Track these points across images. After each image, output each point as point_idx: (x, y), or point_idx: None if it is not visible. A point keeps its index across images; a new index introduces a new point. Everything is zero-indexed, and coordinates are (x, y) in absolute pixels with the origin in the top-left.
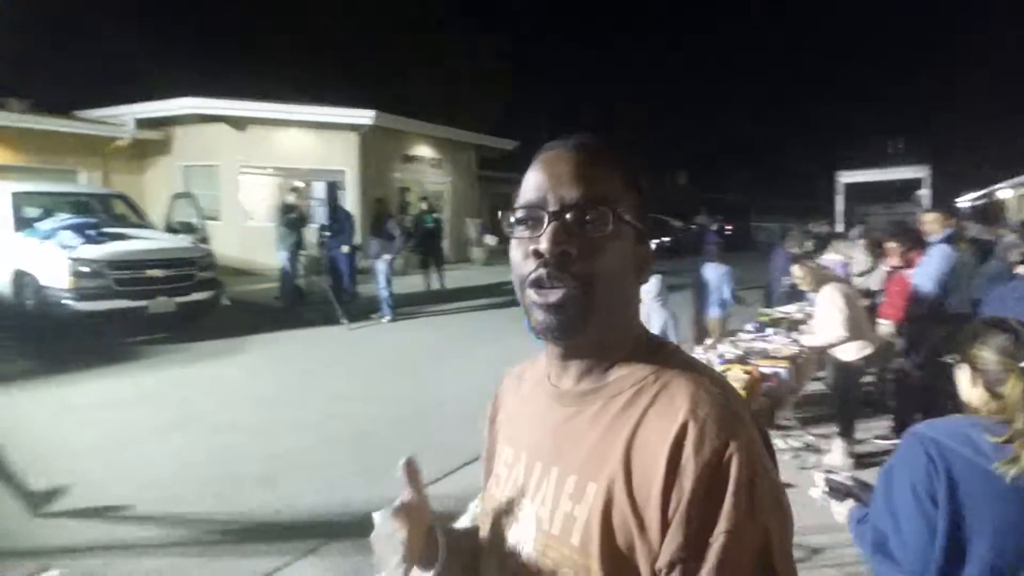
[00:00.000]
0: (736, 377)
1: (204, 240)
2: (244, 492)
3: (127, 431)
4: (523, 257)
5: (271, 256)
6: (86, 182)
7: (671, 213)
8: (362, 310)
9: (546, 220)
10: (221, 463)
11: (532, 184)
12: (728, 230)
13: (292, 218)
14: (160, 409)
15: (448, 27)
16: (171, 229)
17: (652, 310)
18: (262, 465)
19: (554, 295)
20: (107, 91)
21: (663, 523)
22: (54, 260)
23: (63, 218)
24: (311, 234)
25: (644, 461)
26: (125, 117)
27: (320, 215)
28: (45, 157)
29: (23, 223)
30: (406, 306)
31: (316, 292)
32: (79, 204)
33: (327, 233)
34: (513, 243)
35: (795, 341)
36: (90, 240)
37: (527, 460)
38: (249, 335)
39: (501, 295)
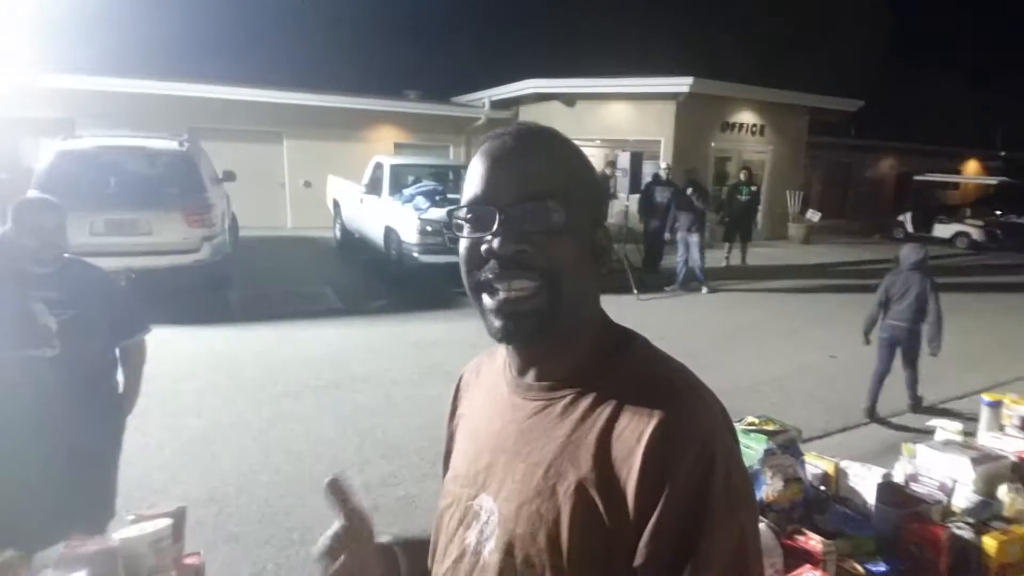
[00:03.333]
0: None
1: None
2: None
3: (431, 367)
4: (474, 257)
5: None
6: (452, 156)
7: None
8: (657, 282)
9: (496, 217)
10: None
11: (477, 178)
12: None
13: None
14: (461, 354)
15: None
16: None
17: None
18: None
19: (511, 301)
20: (472, 79)
21: (639, 521)
22: (409, 219)
23: (420, 185)
24: (618, 204)
25: (619, 459)
26: (483, 100)
27: (624, 185)
28: (429, 135)
29: (396, 189)
30: (694, 282)
31: (616, 260)
32: (437, 174)
33: (625, 204)
34: (461, 242)
35: None
36: (436, 204)
37: (489, 456)
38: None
39: (813, 276)
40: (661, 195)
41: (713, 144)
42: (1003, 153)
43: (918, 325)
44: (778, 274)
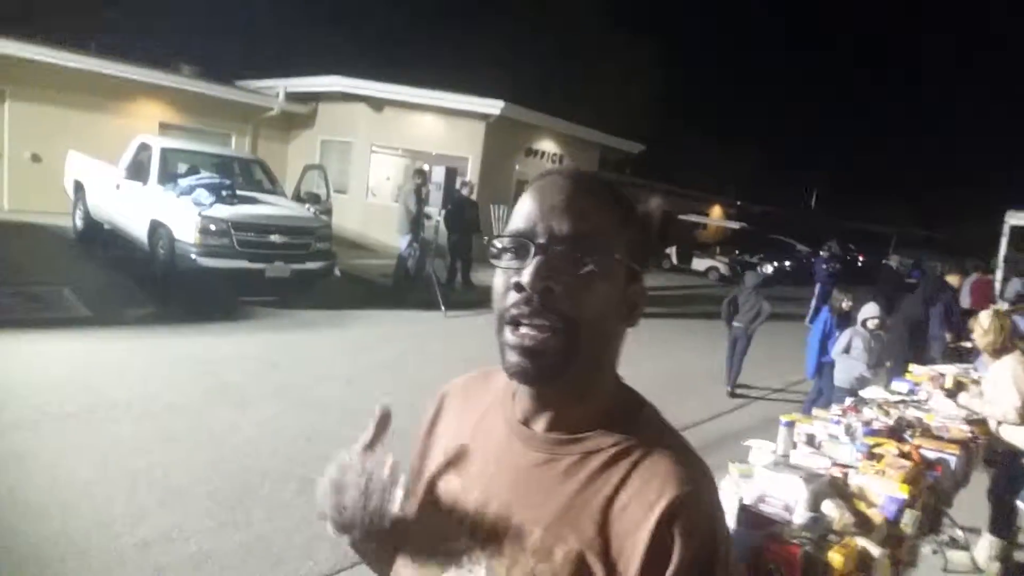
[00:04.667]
0: (892, 463)
1: (328, 212)
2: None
3: (219, 391)
4: (504, 289)
5: (388, 234)
6: (235, 146)
7: (800, 237)
8: (466, 300)
9: (532, 251)
10: (306, 438)
11: (523, 212)
12: (860, 260)
13: (415, 201)
14: (256, 375)
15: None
16: (298, 198)
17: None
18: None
19: (531, 338)
20: (264, 64)
21: None
22: (187, 215)
23: (200, 176)
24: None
25: (625, 530)
26: (277, 89)
27: (436, 199)
28: (205, 120)
29: (167, 177)
30: None
31: (426, 276)
32: (220, 165)
33: (436, 219)
34: (496, 272)
35: (970, 415)
36: (221, 200)
37: (481, 498)
38: (352, 309)
39: None
40: (470, 212)
41: (517, 167)
42: (739, 202)
43: (752, 328)
44: None
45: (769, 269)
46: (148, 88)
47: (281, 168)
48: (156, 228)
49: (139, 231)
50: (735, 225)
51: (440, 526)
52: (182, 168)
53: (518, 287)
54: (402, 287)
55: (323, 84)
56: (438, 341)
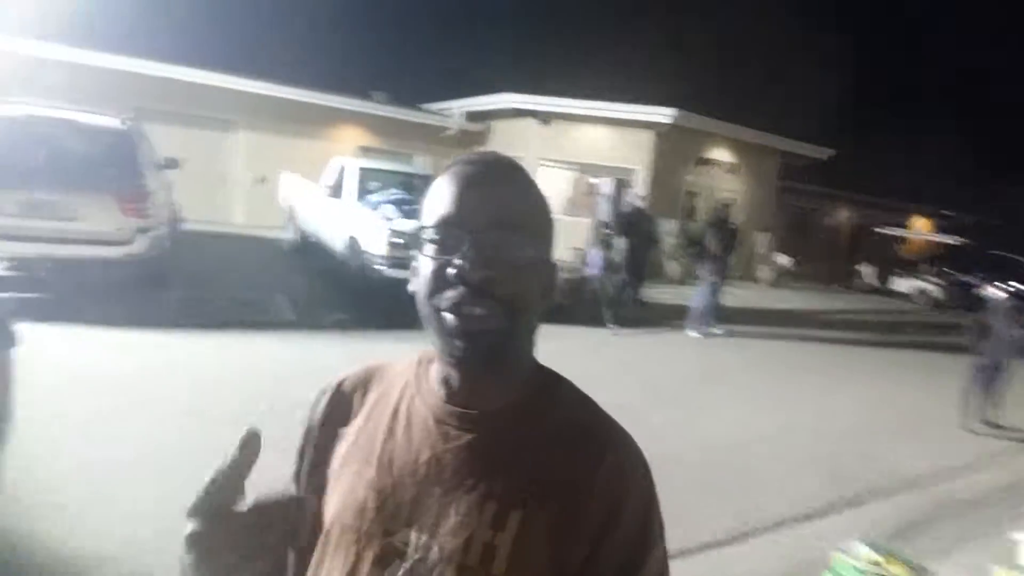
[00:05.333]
0: None
1: None
2: None
3: None
4: (438, 280)
5: (562, 247)
6: (418, 165)
7: None
8: (638, 317)
9: (467, 241)
10: None
11: (448, 199)
12: None
13: (621, 217)
14: None
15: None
16: None
17: None
18: None
19: (476, 322)
20: (444, 87)
21: (588, 549)
22: (376, 229)
23: (388, 193)
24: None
25: (572, 490)
26: (456, 110)
27: (604, 212)
28: (393, 141)
29: (362, 194)
30: (671, 318)
31: (592, 290)
32: (406, 183)
33: (608, 231)
34: (423, 261)
35: None
36: (406, 215)
37: (416, 488)
38: None
39: (790, 322)
40: (644, 224)
41: (688, 178)
42: (948, 212)
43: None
44: (752, 318)
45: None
46: (348, 115)
47: None
48: (352, 242)
49: (338, 244)
50: (951, 240)
51: (372, 525)
52: (373, 186)
53: (457, 278)
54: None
55: (495, 102)
56: (606, 362)
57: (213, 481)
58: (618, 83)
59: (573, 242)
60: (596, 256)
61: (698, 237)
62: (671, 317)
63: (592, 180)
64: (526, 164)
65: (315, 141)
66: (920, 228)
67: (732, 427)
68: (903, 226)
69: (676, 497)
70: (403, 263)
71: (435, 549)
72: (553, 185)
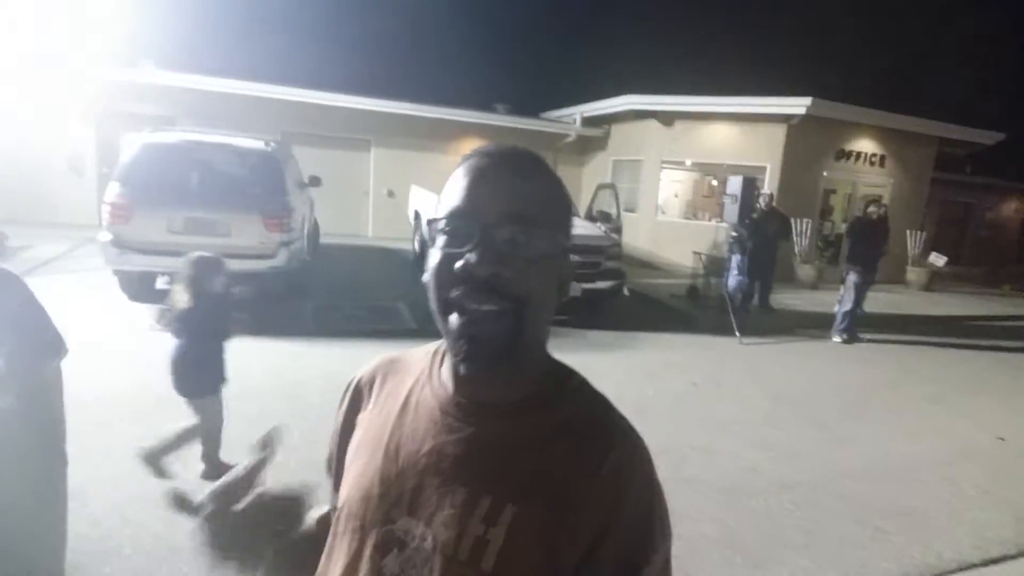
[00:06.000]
0: None
1: (618, 230)
2: None
3: None
4: (446, 272)
5: (677, 252)
6: None
7: None
8: (764, 325)
9: (477, 235)
10: None
11: (461, 191)
12: None
13: (750, 218)
14: None
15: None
16: (590, 217)
17: None
18: None
19: (479, 323)
20: (563, 95)
21: (586, 547)
22: None
23: None
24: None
25: (570, 489)
26: (574, 116)
27: (732, 213)
28: None
29: None
30: (806, 326)
31: (716, 295)
32: None
33: (734, 233)
34: (434, 253)
35: None
36: None
37: (417, 478)
38: (640, 331)
39: (946, 330)
40: (774, 225)
41: (825, 174)
42: None
43: None
44: (904, 325)
45: None
46: (471, 127)
47: (576, 189)
48: None
49: None
50: None
51: (376, 512)
52: None
53: (465, 273)
54: (697, 306)
55: (615, 105)
56: (734, 372)
57: (230, 479)
58: (743, 76)
59: (695, 246)
60: (734, 260)
61: (840, 236)
62: (806, 325)
63: (713, 181)
64: (649, 166)
65: (441, 155)
66: None
67: (885, 451)
68: None
69: (821, 533)
70: None
71: (429, 539)
72: (673, 188)
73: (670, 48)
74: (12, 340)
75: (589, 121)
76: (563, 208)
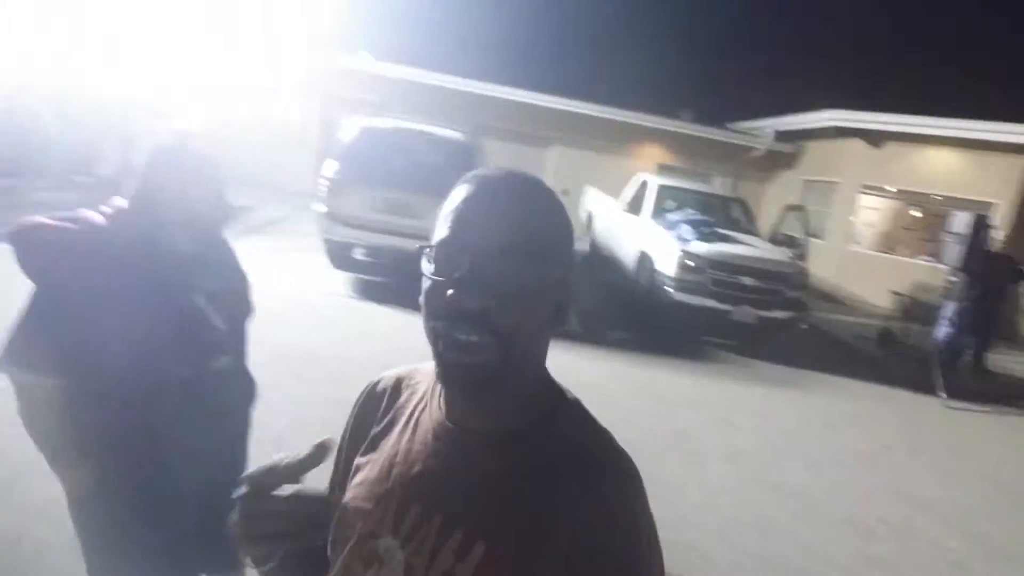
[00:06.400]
0: None
1: (802, 257)
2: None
3: (672, 436)
4: (435, 300)
5: (867, 288)
6: (717, 186)
7: None
8: (976, 388)
9: (466, 266)
10: (761, 532)
11: (453, 217)
12: None
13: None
14: (710, 429)
15: None
16: (775, 240)
17: None
18: (798, 549)
19: (465, 353)
20: (755, 105)
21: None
22: (669, 249)
23: (685, 213)
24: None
25: (546, 523)
26: (766, 129)
27: (955, 255)
28: (694, 160)
29: (659, 212)
30: None
31: (916, 344)
32: (704, 203)
33: (953, 279)
34: (425, 282)
35: None
36: (702, 237)
37: (401, 496)
38: (819, 372)
39: None
40: (1001, 272)
41: None
42: None
43: None
44: None
45: None
46: (651, 132)
47: (757, 208)
48: (643, 259)
49: (629, 259)
50: None
51: (365, 525)
52: (671, 204)
53: (453, 304)
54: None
55: (813, 120)
56: (934, 440)
57: (274, 465)
58: (973, 95)
59: (889, 283)
60: (950, 309)
61: None
62: None
63: (918, 213)
64: (844, 189)
65: (618, 157)
66: None
67: None
68: None
69: None
70: (693, 287)
71: (402, 562)
72: (870, 215)
73: (881, 58)
74: (230, 304)
75: (782, 136)
76: (562, 236)
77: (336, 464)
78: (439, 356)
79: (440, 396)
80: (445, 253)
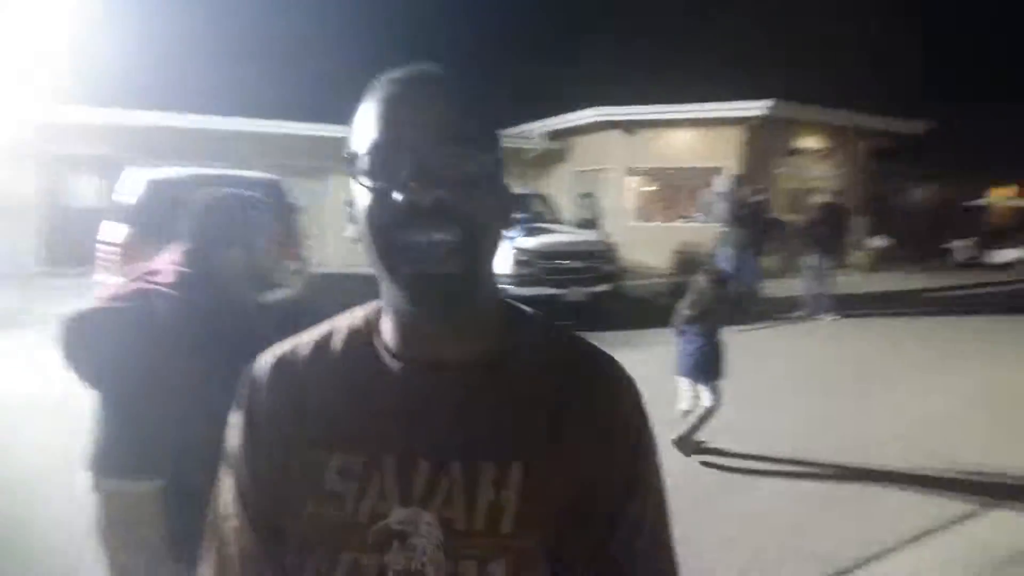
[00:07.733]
0: None
1: (607, 235)
2: None
3: None
4: (382, 211)
5: (646, 255)
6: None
7: None
8: (758, 311)
9: (409, 161)
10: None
11: (380, 121)
12: None
13: (744, 215)
14: None
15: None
16: (580, 225)
17: None
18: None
19: (433, 260)
20: (523, 110)
21: (590, 475)
22: (502, 249)
23: None
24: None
25: (564, 426)
26: (533, 131)
27: (722, 211)
28: None
29: None
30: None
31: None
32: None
33: (727, 229)
34: (360, 195)
35: None
36: (526, 233)
37: (397, 462)
38: (639, 329)
39: (908, 305)
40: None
41: (779, 171)
42: None
43: None
44: (866, 303)
45: None
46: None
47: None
48: None
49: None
50: None
51: (357, 514)
52: None
53: (406, 204)
54: None
55: (578, 118)
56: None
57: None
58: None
59: (669, 247)
60: (724, 256)
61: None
62: (785, 309)
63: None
64: (613, 175)
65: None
66: (1003, 195)
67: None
68: (985, 196)
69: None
70: (528, 279)
71: (436, 523)
72: (637, 194)
73: (629, 56)
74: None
75: (552, 135)
76: (494, 124)
77: (239, 490)
78: (400, 276)
79: (389, 343)
80: (383, 157)
